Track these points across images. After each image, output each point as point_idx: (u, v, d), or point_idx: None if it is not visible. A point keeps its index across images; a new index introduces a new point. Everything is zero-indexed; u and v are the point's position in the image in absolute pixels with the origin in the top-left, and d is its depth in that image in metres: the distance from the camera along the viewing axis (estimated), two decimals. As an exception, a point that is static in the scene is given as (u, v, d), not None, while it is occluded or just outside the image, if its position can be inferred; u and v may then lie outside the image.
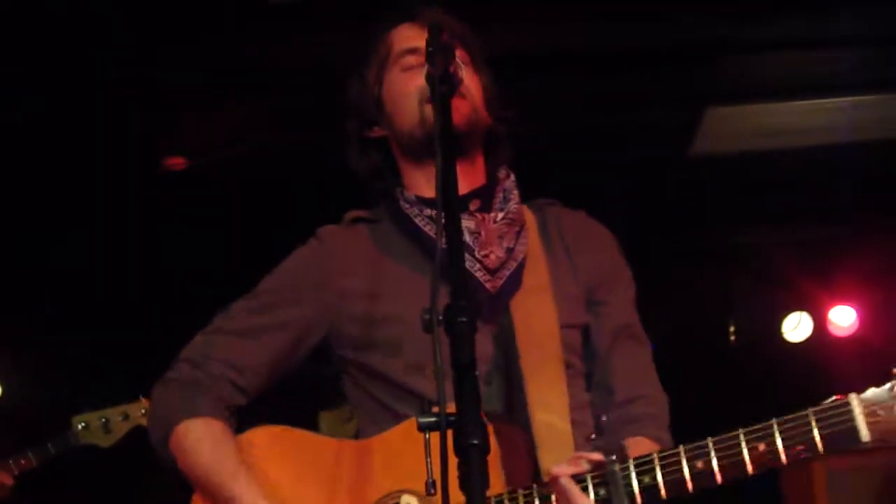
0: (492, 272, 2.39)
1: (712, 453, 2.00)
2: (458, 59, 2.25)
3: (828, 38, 4.56)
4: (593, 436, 2.11)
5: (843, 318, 6.43)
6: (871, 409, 1.93)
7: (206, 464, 2.34)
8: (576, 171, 5.02)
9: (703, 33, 4.51)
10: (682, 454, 2.03)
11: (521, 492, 2.14)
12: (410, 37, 2.49)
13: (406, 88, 2.46)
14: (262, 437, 2.41)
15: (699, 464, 2.01)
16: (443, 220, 1.89)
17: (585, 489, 2.06)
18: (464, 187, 2.37)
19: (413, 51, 2.47)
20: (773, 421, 1.99)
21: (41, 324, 5.66)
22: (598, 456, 2.07)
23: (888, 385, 1.94)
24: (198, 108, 4.69)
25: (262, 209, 5.20)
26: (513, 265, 2.42)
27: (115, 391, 4.72)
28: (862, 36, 4.56)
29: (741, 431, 2.00)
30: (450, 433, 1.70)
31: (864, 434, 1.93)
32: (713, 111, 5.02)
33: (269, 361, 2.46)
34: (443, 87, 2.09)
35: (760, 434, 1.99)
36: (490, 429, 2.12)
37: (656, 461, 2.04)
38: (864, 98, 5.00)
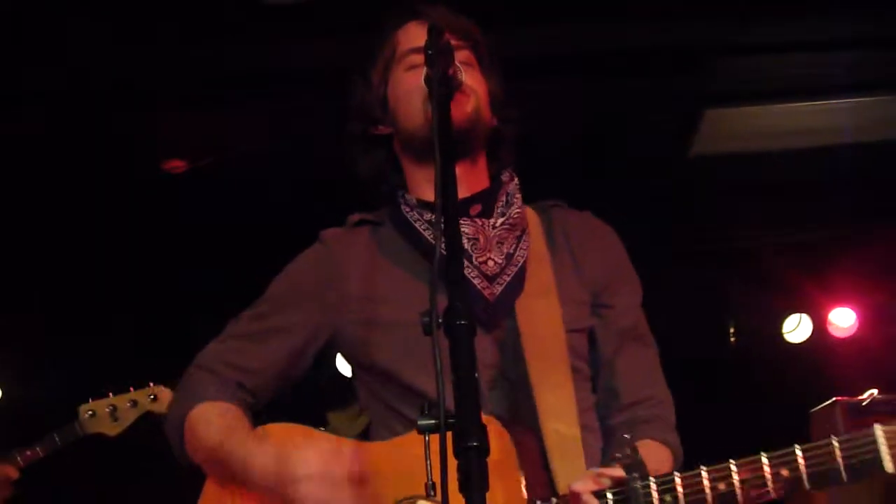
0: (490, 279, 2.38)
1: (734, 476, 1.98)
2: (457, 62, 2.25)
3: (826, 41, 4.57)
4: (627, 435, 2.08)
5: (843, 319, 6.43)
6: (894, 441, 1.92)
7: (216, 434, 2.36)
8: (574, 172, 5.02)
9: (702, 35, 4.51)
10: (705, 475, 2.01)
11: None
12: (416, 36, 2.46)
13: (410, 88, 2.44)
14: (276, 430, 2.41)
15: (721, 485, 1.99)
16: (441, 225, 1.88)
17: None
18: (465, 190, 2.38)
19: (418, 50, 2.40)
20: (796, 447, 1.97)
21: (41, 323, 5.66)
22: (619, 472, 2.05)
23: None
24: (198, 111, 4.69)
25: (262, 210, 5.20)
26: (512, 270, 2.40)
27: (115, 390, 4.71)
28: (860, 38, 4.56)
29: (763, 456, 1.98)
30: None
31: (889, 465, 1.92)
32: (712, 113, 5.02)
33: (277, 365, 2.49)
34: (441, 89, 2.08)
35: (784, 459, 1.97)
36: (507, 435, 2.12)
37: (678, 481, 2.02)
38: (864, 100, 5.00)
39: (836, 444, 1.94)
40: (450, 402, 1.72)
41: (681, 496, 2.00)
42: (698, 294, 6.35)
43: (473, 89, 2.42)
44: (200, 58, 4.37)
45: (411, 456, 2.15)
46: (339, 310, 2.46)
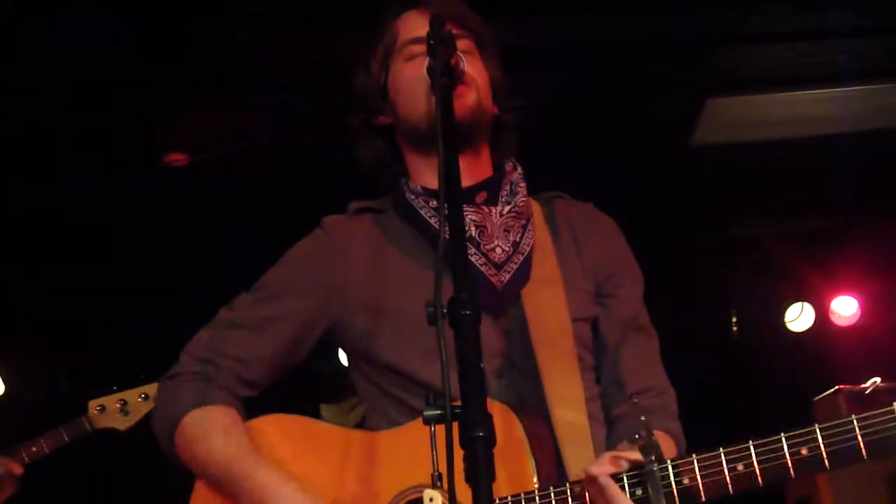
0: (497, 266, 2.37)
1: (753, 456, 1.98)
2: (459, 52, 2.24)
3: (828, 29, 4.55)
4: (643, 417, 2.08)
5: (846, 307, 6.44)
6: None
7: (218, 448, 2.32)
8: (576, 162, 5.01)
9: (703, 24, 4.50)
10: (723, 456, 1.99)
11: (553, 489, 2.12)
12: (417, 25, 2.45)
13: (412, 78, 2.43)
14: (271, 423, 2.40)
15: (739, 466, 1.98)
16: (445, 212, 1.87)
17: (622, 489, 2.04)
18: (469, 179, 2.37)
19: (419, 40, 2.41)
20: (816, 426, 1.96)
21: (43, 320, 5.66)
22: (636, 454, 2.04)
23: None
24: (199, 105, 4.69)
25: (262, 205, 5.20)
26: (519, 258, 2.40)
27: (120, 386, 4.70)
28: (862, 26, 4.55)
29: (783, 435, 1.97)
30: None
31: None
32: (713, 102, 5.01)
33: (276, 354, 2.45)
34: (443, 79, 2.07)
35: (803, 438, 1.96)
36: (518, 423, 2.12)
37: (696, 463, 2.01)
38: (866, 88, 5.00)
39: (855, 422, 1.93)
40: (455, 392, 1.71)
41: (699, 478, 2.00)
42: (700, 283, 6.35)
43: (475, 79, 2.42)
44: (202, 52, 4.36)
45: (415, 444, 2.17)
46: (342, 297, 2.43)
